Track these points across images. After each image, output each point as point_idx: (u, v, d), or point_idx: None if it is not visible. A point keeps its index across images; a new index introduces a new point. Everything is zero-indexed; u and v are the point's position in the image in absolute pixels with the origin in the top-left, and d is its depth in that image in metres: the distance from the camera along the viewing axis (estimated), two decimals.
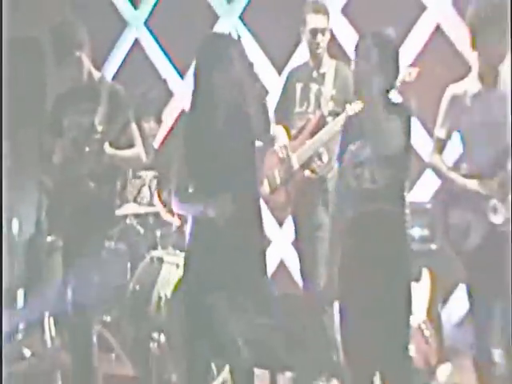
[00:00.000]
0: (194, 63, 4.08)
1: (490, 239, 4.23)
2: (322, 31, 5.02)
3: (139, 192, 6.12)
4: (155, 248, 5.68)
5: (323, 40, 5.04)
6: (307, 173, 5.02)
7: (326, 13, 5.04)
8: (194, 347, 4.08)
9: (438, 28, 6.29)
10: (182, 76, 7.08)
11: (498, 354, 4.30)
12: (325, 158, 4.99)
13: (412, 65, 5.99)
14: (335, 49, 5.45)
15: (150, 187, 6.14)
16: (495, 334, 4.30)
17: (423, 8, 6.31)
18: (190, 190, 4.12)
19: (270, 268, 6.55)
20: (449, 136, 4.40)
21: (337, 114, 4.97)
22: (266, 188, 5.15)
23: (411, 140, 3.98)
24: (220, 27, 6.82)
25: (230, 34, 4.21)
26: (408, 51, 6.13)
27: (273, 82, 6.60)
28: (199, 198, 4.06)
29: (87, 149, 4.58)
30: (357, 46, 3.99)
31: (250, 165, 4.12)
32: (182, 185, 4.14)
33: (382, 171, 3.92)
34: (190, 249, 4.14)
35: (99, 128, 4.56)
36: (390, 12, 5.95)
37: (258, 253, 4.13)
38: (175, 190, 4.18)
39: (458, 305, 5.98)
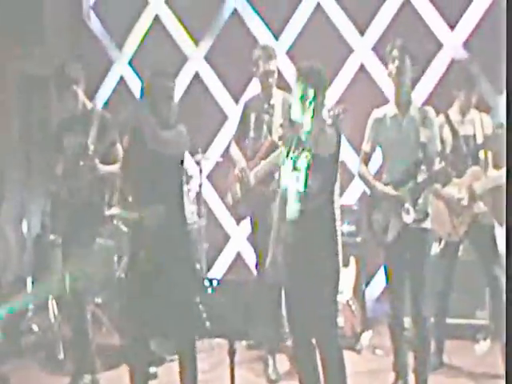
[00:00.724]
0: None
1: (403, 234, 4.27)
2: (272, 73, 5.00)
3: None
4: None
5: (273, 79, 5.01)
6: (262, 188, 4.97)
7: (274, 57, 5.02)
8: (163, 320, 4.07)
9: (361, 67, 6.38)
10: None
11: (407, 322, 4.34)
12: (276, 176, 4.91)
13: (342, 95, 6.13)
14: (282, 82, 5.47)
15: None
16: (406, 306, 4.32)
17: (351, 50, 6.40)
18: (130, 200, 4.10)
19: (229, 259, 6.68)
20: (373, 150, 4.43)
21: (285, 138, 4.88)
22: (229, 199, 5.12)
23: (340, 154, 3.97)
24: (188, 68, 6.81)
25: (172, 73, 4.23)
26: (337, 86, 6.24)
27: (231, 109, 6.63)
28: (135, 208, 4.05)
29: (81, 163, 4.60)
30: (295, 79, 3.99)
31: (178, 181, 4.11)
32: (122, 196, 4.14)
33: (315, 178, 3.92)
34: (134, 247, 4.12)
35: (91, 147, 4.60)
36: (323, 55, 5.98)
37: (185, 248, 4.12)
38: (118, 200, 4.22)
39: (377, 284, 6.03)
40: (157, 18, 6.98)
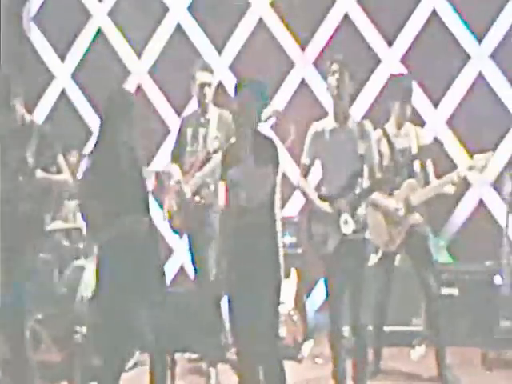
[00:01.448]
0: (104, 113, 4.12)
1: (343, 245, 4.31)
2: (208, 85, 5.10)
3: (70, 212, 6.06)
4: (78, 258, 5.63)
5: (209, 92, 5.10)
6: (198, 199, 5.04)
7: (211, 71, 5.13)
8: (111, 337, 4.07)
9: (303, 82, 6.49)
10: None
11: (346, 331, 4.41)
12: (211, 187, 5.01)
13: (283, 109, 6.19)
14: (224, 97, 5.54)
15: (74, 211, 6.09)
16: (344, 316, 4.36)
17: (292, 65, 6.52)
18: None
19: (173, 271, 6.68)
20: (312, 163, 4.46)
21: (220, 151, 4.94)
22: (166, 214, 5.14)
23: (279, 167, 4.00)
24: (130, 82, 6.85)
25: (131, 92, 4.28)
26: (281, 99, 6.34)
27: (174, 122, 6.69)
28: (112, 223, 4.03)
29: (21, 178, 4.57)
30: (235, 94, 4.06)
31: (144, 192, 4.16)
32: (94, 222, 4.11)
33: (256, 192, 3.97)
34: (101, 258, 4.11)
35: (30, 160, 4.57)
36: (264, 68, 6.09)
37: (156, 259, 4.13)
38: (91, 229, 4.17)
39: (318, 295, 6.09)
40: (100, 31, 7.00)
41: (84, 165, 5.13)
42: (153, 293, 4.03)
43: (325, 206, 4.34)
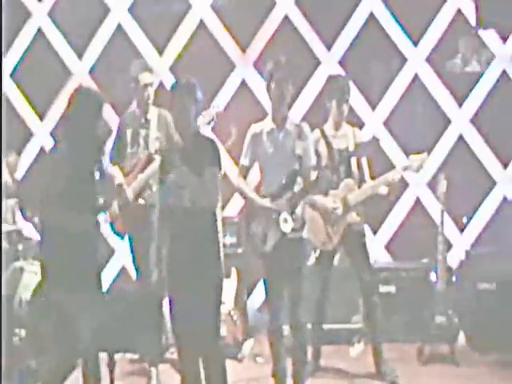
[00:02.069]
0: (68, 113, 4.10)
1: (281, 244, 4.36)
2: (151, 85, 5.09)
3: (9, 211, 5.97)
4: (17, 259, 5.56)
5: (151, 93, 5.09)
6: (140, 201, 5.02)
7: (152, 71, 5.12)
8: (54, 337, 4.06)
9: (243, 83, 6.53)
10: (41, 119, 6.97)
11: (286, 330, 4.44)
12: (154, 188, 4.98)
13: (226, 109, 6.22)
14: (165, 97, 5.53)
15: (13, 210, 6.00)
16: (284, 314, 4.41)
17: (232, 67, 6.55)
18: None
19: (115, 271, 6.63)
20: (251, 164, 4.50)
21: (161, 151, 4.94)
22: (107, 216, 5.05)
23: (220, 168, 4.05)
24: (72, 83, 6.74)
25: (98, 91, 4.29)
26: (221, 100, 6.35)
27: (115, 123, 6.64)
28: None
29: None
30: (172, 94, 4.10)
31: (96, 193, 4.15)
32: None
33: (198, 193, 3.99)
34: (44, 258, 4.11)
35: None
36: (205, 70, 6.10)
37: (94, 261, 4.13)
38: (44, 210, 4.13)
39: (259, 294, 6.11)
40: (40, 31, 6.90)
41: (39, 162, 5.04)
42: (90, 294, 4.02)
43: (266, 202, 4.38)
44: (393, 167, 5.13)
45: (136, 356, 5.28)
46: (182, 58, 6.64)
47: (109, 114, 6.67)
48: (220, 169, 4.06)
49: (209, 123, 4.82)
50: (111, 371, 4.20)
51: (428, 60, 6.38)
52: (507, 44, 6.29)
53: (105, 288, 6.34)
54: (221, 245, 4.20)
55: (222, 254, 4.15)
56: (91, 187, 4.09)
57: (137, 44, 6.71)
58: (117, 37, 6.78)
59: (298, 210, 4.41)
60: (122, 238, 5.28)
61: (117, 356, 4.44)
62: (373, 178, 5.05)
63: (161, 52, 6.68)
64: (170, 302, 4.13)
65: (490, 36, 6.20)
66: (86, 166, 4.07)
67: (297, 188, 4.41)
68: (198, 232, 3.99)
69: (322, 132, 5.06)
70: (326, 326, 5.13)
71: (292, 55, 5.19)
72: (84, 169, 4.06)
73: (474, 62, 6.41)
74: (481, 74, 6.33)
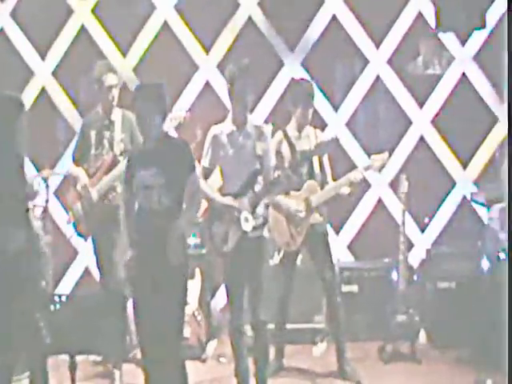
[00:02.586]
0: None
1: (242, 243, 4.38)
2: (115, 86, 5.07)
3: None
4: None
5: (116, 94, 5.06)
6: (106, 202, 5.01)
7: (116, 72, 5.11)
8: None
9: (207, 84, 6.55)
10: None
11: (249, 330, 4.46)
12: (119, 189, 4.95)
13: (190, 110, 6.20)
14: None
15: None
16: (246, 315, 4.43)
17: (196, 68, 6.55)
18: None
19: (77, 274, 6.60)
20: (212, 165, 4.50)
21: (126, 153, 4.91)
22: (71, 219, 5.10)
23: (194, 169, 4.06)
24: (35, 83, 6.74)
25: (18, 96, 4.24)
26: (185, 102, 6.38)
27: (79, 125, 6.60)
28: None
29: None
30: (134, 97, 4.10)
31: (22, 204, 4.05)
32: None
33: (167, 195, 4.00)
34: None
35: None
36: (168, 71, 6.11)
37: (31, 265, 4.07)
38: None
39: (223, 295, 5.95)
40: (2, 31, 6.85)
41: None
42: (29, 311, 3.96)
43: (228, 200, 4.41)
44: (355, 168, 5.19)
45: (99, 358, 5.25)
46: (146, 59, 6.63)
47: (72, 115, 6.74)
48: (193, 170, 4.06)
49: (176, 127, 4.86)
50: (72, 373, 4.19)
51: (389, 62, 6.47)
52: (466, 46, 6.40)
53: (67, 289, 6.40)
54: (186, 246, 4.20)
55: (187, 255, 4.14)
56: (15, 199, 3.98)
57: (100, 45, 6.68)
58: (80, 38, 6.75)
59: (259, 209, 4.44)
60: (85, 239, 5.28)
61: (79, 358, 4.44)
62: (335, 179, 5.10)
63: (124, 53, 6.66)
64: (133, 302, 4.13)
65: (449, 38, 6.30)
66: (5, 178, 3.96)
67: (258, 188, 4.44)
68: (164, 233, 3.98)
69: (285, 133, 5.09)
70: (289, 326, 5.16)
71: (255, 56, 5.22)
72: (3, 182, 3.95)
73: (435, 64, 6.51)
74: (441, 76, 6.43)
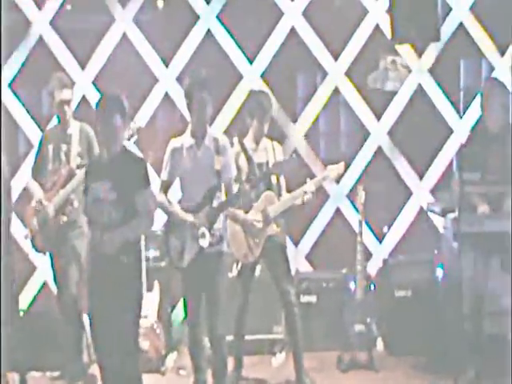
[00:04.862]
0: None
1: (199, 258, 4.49)
2: (68, 102, 5.11)
3: None
4: None
5: (68, 109, 5.12)
6: (62, 217, 5.05)
7: (71, 86, 5.17)
8: None
9: (166, 95, 6.62)
10: None
11: (205, 341, 4.59)
12: (75, 204, 5.03)
13: (146, 125, 6.26)
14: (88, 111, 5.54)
15: None
16: (204, 328, 4.56)
17: (156, 80, 6.62)
18: None
19: (35, 290, 6.58)
20: (171, 179, 4.59)
21: (83, 167, 4.98)
22: (28, 233, 5.14)
23: (148, 182, 4.10)
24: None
25: None
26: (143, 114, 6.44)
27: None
28: None
29: None
30: (97, 110, 4.13)
31: None
32: None
33: (118, 210, 4.04)
34: None
35: None
36: (128, 84, 6.15)
37: None
38: None
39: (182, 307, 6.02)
40: None
41: None
42: None
43: (186, 215, 4.48)
44: (314, 177, 5.28)
45: (56, 373, 5.25)
46: (105, 72, 6.68)
47: (30, 129, 6.73)
48: (145, 187, 4.08)
49: (129, 139, 4.90)
50: None
51: (348, 73, 6.59)
52: (422, 58, 6.57)
53: (25, 305, 6.38)
54: (143, 259, 4.27)
55: (143, 269, 4.23)
56: None
57: (58, 57, 6.69)
58: (38, 49, 6.75)
59: (217, 225, 4.53)
60: (44, 254, 5.31)
61: (37, 374, 4.48)
62: (289, 190, 5.20)
63: (83, 66, 6.69)
64: (89, 318, 4.18)
65: (405, 50, 6.46)
66: None
67: (216, 203, 4.53)
68: (120, 247, 4.01)
69: (242, 146, 5.19)
70: (247, 337, 5.26)
71: (214, 69, 5.31)
72: None
73: (392, 76, 6.65)
74: (398, 88, 6.56)
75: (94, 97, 6.24)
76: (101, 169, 4.13)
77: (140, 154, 4.43)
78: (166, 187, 4.62)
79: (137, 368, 4.11)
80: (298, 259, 6.29)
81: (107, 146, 4.13)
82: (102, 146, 4.26)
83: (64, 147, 5.11)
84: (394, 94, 6.55)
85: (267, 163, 5.16)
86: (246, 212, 5.07)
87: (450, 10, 6.46)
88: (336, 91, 6.60)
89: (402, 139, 6.53)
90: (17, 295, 5.48)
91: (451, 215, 5.41)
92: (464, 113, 6.62)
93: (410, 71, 6.56)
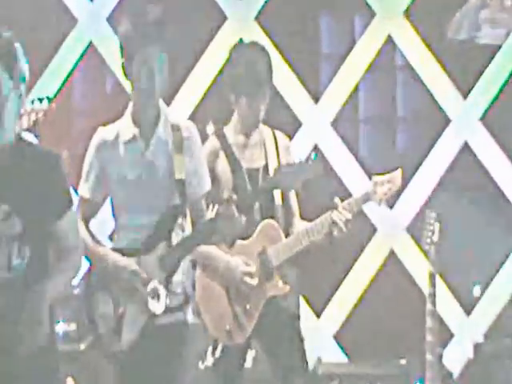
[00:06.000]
0: None
1: (149, 335, 4.47)
2: None
3: None
4: None
5: None
6: None
7: None
8: None
9: (90, 46, 6.93)
10: None
11: None
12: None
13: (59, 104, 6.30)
14: None
15: None
16: None
17: (74, 21, 6.90)
18: None
19: None
20: (97, 195, 4.60)
21: None
22: None
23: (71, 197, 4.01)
24: None
25: None
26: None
27: None
28: None
29: None
30: None
31: None
32: None
33: (23, 251, 3.88)
34: None
35: None
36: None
37: None
38: None
39: None
40: None
41: None
42: None
43: (125, 261, 4.50)
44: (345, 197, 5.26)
45: None
46: None
47: None
48: (69, 206, 3.95)
49: (29, 129, 4.94)
50: None
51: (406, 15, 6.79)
52: None
53: None
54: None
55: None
56: None
57: None
58: None
59: (179, 276, 4.53)
60: None
61: None
62: (306, 218, 5.21)
63: None
64: None
65: None
66: None
67: (177, 237, 4.52)
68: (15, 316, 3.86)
69: (223, 139, 5.20)
70: None
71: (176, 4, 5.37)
72: None
73: (491, 19, 6.69)
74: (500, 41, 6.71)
75: None
76: None
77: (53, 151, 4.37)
78: (88, 210, 4.64)
79: None
80: (320, 340, 6.32)
81: None
82: None
83: None
84: (491, 50, 6.56)
85: (265, 169, 5.19)
86: (231, 255, 5.05)
87: None
88: (389, 42, 6.65)
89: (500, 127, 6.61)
90: None
91: None
92: None
93: None
